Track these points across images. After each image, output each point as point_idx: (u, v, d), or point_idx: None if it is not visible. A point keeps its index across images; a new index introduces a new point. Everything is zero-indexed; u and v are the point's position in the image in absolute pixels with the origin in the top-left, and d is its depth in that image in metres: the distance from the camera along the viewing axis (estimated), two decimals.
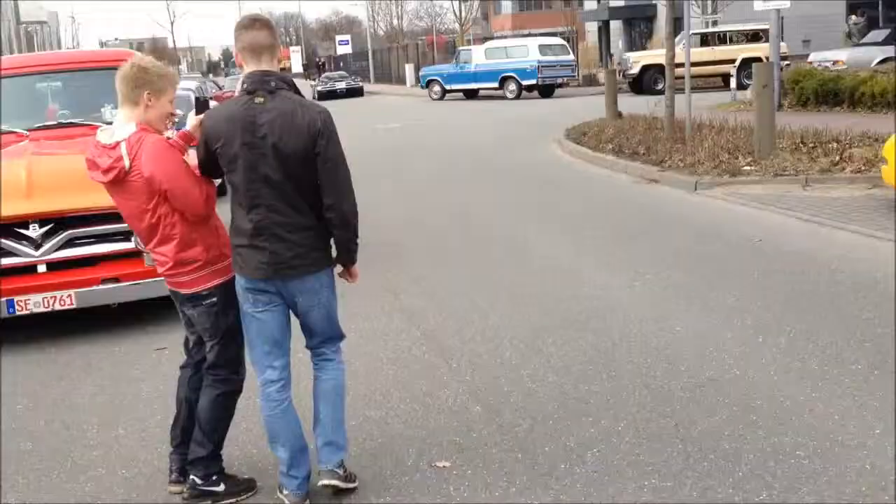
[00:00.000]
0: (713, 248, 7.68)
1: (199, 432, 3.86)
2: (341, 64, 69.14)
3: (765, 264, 7.06)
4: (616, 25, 54.00)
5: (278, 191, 3.54)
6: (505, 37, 59.12)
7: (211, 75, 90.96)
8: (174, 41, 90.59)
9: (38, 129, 7.32)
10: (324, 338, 3.86)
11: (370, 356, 5.65)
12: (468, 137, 18.88)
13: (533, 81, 30.31)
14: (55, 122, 7.42)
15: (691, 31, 30.40)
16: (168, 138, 3.72)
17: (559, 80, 31.33)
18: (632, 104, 15.84)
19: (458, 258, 8.03)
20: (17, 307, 6.14)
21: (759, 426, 4.25)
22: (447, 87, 33.03)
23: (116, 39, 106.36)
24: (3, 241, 6.11)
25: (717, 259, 7.33)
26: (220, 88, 33.85)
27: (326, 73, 51.66)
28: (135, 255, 6.25)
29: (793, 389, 4.65)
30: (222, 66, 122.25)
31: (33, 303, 6.16)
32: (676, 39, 29.16)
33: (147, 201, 3.61)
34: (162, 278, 3.90)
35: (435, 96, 33.47)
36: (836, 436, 4.10)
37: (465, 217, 9.97)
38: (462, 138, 18.81)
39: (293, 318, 3.81)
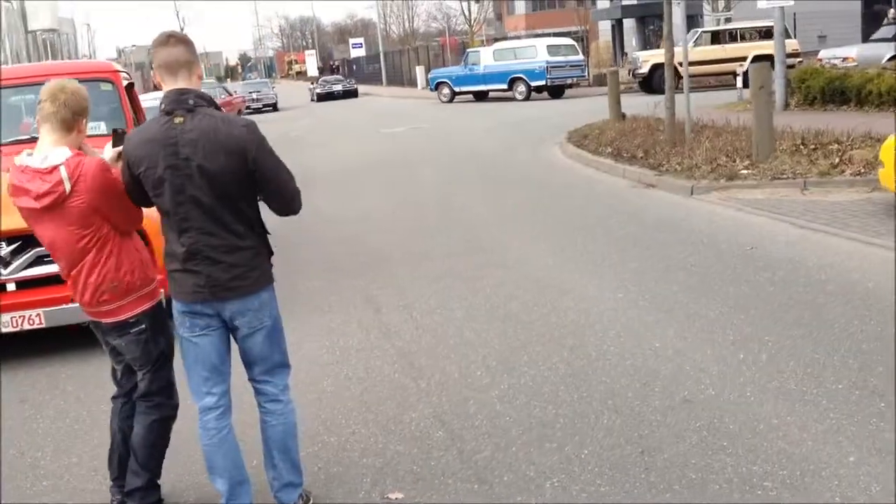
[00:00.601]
0: (703, 257, 7.47)
1: (133, 462, 3.74)
2: (353, 67, 69.19)
3: (754, 274, 6.84)
4: (629, 24, 53.72)
5: (209, 212, 3.39)
6: (519, 37, 58.99)
7: (229, 80, 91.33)
8: None
9: (11, 143, 7.20)
10: (268, 366, 3.68)
11: (338, 376, 5.50)
12: (472, 141, 18.70)
13: (542, 82, 30.06)
14: (28, 137, 7.30)
15: (703, 29, 30.26)
16: (101, 159, 3.60)
17: (569, 81, 31.06)
18: (640, 104, 15.60)
19: (444, 269, 7.85)
20: None
21: (728, 452, 4.06)
22: (456, 89, 32.82)
23: (134, 46, 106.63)
24: None
25: (705, 268, 7.11)
26: (230, 94, 33.91)
27: (324, 77, 54.80)
28: None
29: (768, 411, 4.44)
30: (239, 70, 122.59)
31: (2, 322, 6.04)
32: (686, 38, 29.13)
33: (83, 226, 3.48)
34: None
35: (444, 99, 33.27)
36: (808, 464, 3.89)
37: (459, 224, 9.79)
38: (465, 142, 18.63)
39: (234, 347, 3.66)
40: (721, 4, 35.58)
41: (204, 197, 3.35)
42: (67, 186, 3.43)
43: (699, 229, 8.50)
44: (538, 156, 15.25)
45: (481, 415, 4.72)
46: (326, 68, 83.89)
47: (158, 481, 3.82)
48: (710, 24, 33.97)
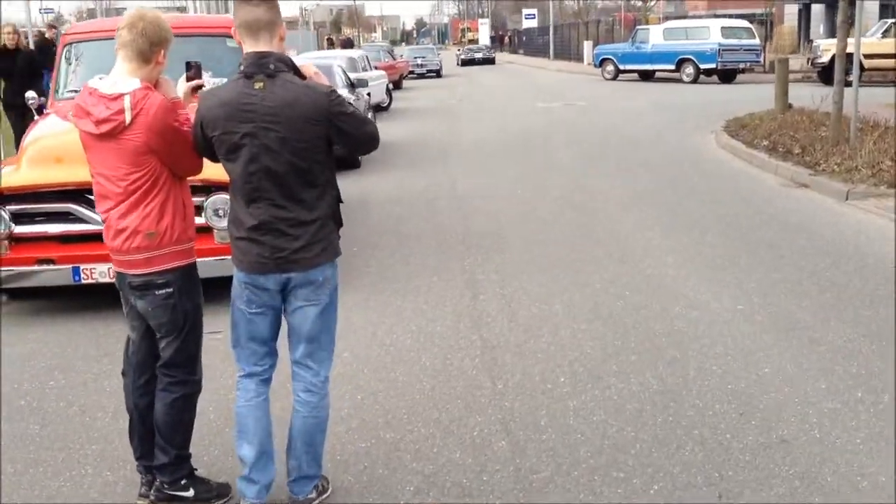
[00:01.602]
0: (843, 272, 6.71)
1: (159, 438, 3.55)
2: (524, 38, 68.48)
3: None
4: (818, 9, 50.74)
5: (282, 183, 3.25)
6: (699, 16, 56.74)
7: (404, 44, 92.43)
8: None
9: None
10: (313, 347, 3.46)
11: (414, 365, 5.19)
12: (623, 123, 17.95)
13: (712, 65, 28.63)
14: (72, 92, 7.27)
15: (894, 21, 28.03)
16: (173, 100, 3.42)
17: (741, 66, 29.47)
18: (813, 96, 14.48)
19: (557, 258, 7.41)
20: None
21: None
22: (621, 66, 31.75)
23: (318, 5, 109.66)
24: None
25: (843, 285, 6.38)
26: (394, 58, 34.07)
27: (469, 45, 63.34)
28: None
29: (878, 465, 3.83)
30: (414, 35, 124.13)
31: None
32: (874, 29, 27.11)
33: (135, 164, 3.32)
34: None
35: (608, 76, 32.28)
36: None
37: (584, 211, 9.28)
38: (616, 124, 17.90)
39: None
40: None
41: (278, 167, 3.22)
42: (128, 117, 3.26)
43: (845, 239, 7.68)
44: (688, 143, 14.42)
45: (552, 428, 4.31)
46: (497, 38, 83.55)
47: (188, 453, 3.64)
48: None
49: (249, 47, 3.25)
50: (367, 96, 15.68)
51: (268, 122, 3.18)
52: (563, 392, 4.73)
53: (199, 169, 3.53)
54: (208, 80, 3.71)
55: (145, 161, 3.32)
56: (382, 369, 5.13)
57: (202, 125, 3.29)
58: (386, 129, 17.33)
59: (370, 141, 3.43)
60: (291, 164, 3.22)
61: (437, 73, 41.47)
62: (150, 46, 3.35)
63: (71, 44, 7.63)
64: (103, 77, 3.42)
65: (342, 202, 3.50)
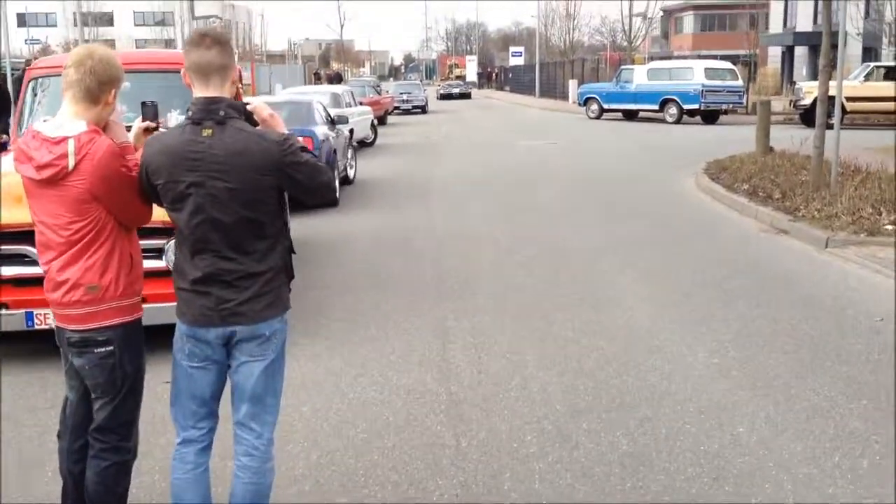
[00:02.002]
0: (822, 324, 6.56)
1: None
2: (510, 75, 68.89)
3: (878, 353, 5.91)
4: (801, 52, 51.21)
5: (229, 235, 3.09)
6: (684, 57, 57.18)
7: (392, 79, 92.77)
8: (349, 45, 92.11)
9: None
10: (256, 408, 3.26)
11: (376, 421, 4.97)
12: (605, 163, 17.90)
13: (695, 106, 28.73)
14: None
15: (876, 63, 28.25)
16: (122, 144, 3.24)
17: (724, 107, 29.60)
18: (794, 138, 14.44)
19: (531, 304, 7.24)
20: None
21: None
22: (605, 106, 31.83)
23: (307, 39, 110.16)
24: None
25: (821, 339, 6.22)
26: (378, 94, 34.05)
27: (448, 82, 66.05)
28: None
29: None
30: (402, 70, 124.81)
31: None
32: (857, 72, 27.29)
33: (78, 213, 3.14)
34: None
35: (592, 115, 32.34)
36: None
37: (561, 255, 9.13)
38: (598, 163, 17.84)
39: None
40: None
41: (226, 218, 3.07)
42: (71, 162, 3.08)
43: (824, 290, 7.54)
44: (669, 185, 14.33)
45: (516, 492, 4.11)
46: (485, 74, 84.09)
47: None
48: (887, 59, 31.77)
49: (199, 92, 3.11)
50: (347, 133, 15.56)
51: (215, 172, 3.03)
52: (530, 452, 4.53)
53: (147, 218, 3.36)
54: (176, 118, 3.55)
55: (89, 209, 3.14)
56: (343, 425, 4.92)
57: (146, 171, 3.13)
58: (368, 166, 17.23)
59: (324, 190, 3.26)
60: (240, 214, 3.07)
61: (423, 109, 41.44)
62: (99, 86, 3.19)
63: (36, 78, 7.46)
64: (48, 119, 3.25)
65: (294, 253, 3.34)
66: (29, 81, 7.48)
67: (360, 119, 21.52)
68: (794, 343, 6.15)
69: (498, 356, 6.03)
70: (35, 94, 7.45)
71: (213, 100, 3.08)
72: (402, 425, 4.91)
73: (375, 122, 23.67)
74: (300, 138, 11.63)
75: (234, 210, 3.06)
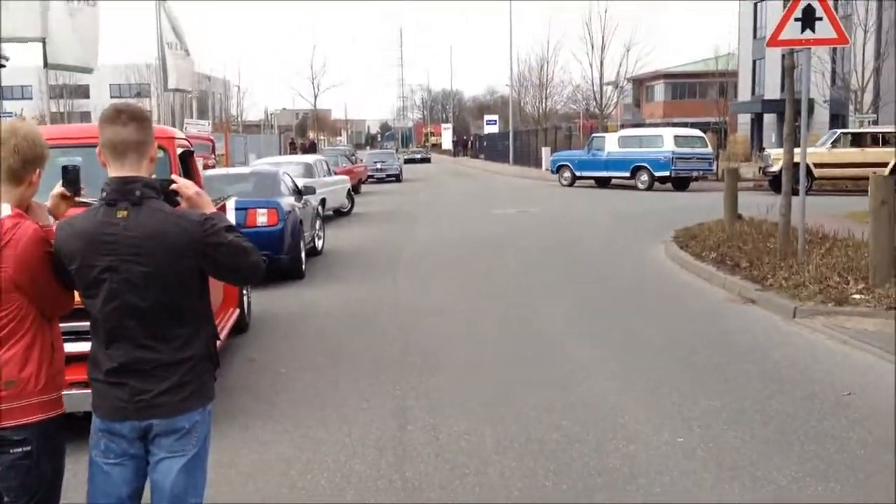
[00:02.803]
0: (790, 399, 6.39)
1: None
2: (485, 143, 69.46)
3: (846, 429, 5.75)
4: (770, 119, 52.02)
5: (147, 322, 2.93)
6: (655, 124, 57.94)
7: (368, 147, 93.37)
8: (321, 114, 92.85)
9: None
10: None
11: None
12: (576, 231, 17.87)
13: (666, 173, 28.94)
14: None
15: (843, 130, 28.65)
16: (44, 227, 3.06)
17: (695, 174, 29.84)
18: (762, 205, 14.49)
19: (494, 381, 7.05)
20: None
21: None
22: (578, 173, 32.01)
23: (284, 109, 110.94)
24: None
25: (789, 415, 6.05)
26: (352, 163, 34.09)
27: (412, 150, 74.24)
28: None
29: None
30: (379, 138, 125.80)
31: None
32: (824, 139, 27.64)
33: None
34: None
35: (565, 182, 32.51)
36: None
37: (526, 328, 8.98)
38: (568, 232, 17.80)
39: None
40: (867, 105, 33.88)
41: (143, 303, 2.91)
42: None
43: (792, 362, 7.40)
44: (638, 254, 14.26)
45: None
46: (458, 142, 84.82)
47: None
48: (854, 126, 32.28)
49: (114, 171, 2.97)
50: (315, 203, 15.45)
51: (131, 255, 2.89)
52: None
53: (69, 305, 3.17)
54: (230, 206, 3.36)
55: (10, 299, 2.94)
56: None
57: (59, 255, 2.97)
58: (337, 236, 17.10)
59: (251, 273, 3.11)
60: (158, 299, 2.92)
61: (397, 178, 41.44)
62: (24, 165, 3.02)
63: None
64: None
65: (219, 339, 3.17)
66: None
67: (335, 188, 21.71)
68: (761, 420, 5.98)
69: (457, 437, 5.82)
70: None
71: (129, 179, 2.95)
72: None
73: (352, 191, 23.72)
74: (264, 210, 11.38)
75: (151, 295, 2.91)
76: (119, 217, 2.91)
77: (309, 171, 20.04)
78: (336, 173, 23.87)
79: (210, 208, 3.07)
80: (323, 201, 18.96)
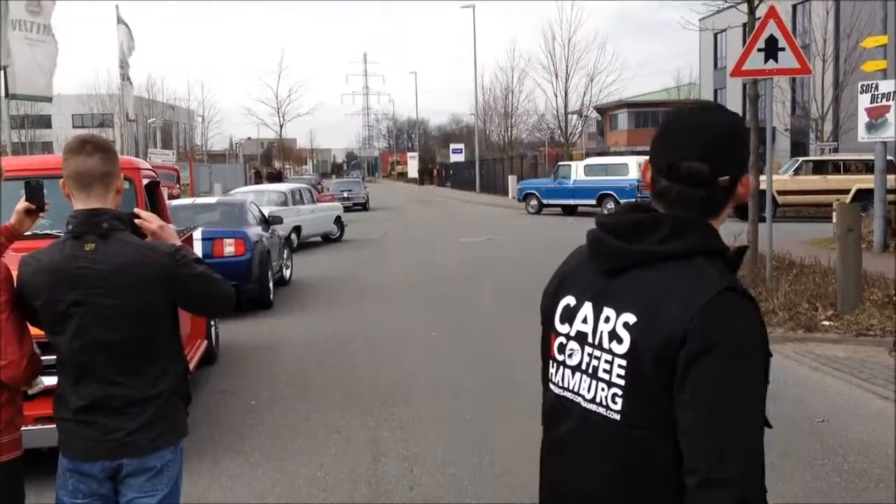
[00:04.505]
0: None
1: None
2: (451, 172, 69.65)
3: (821, 456, 5.76)
4: None
5: (116, 357, 2.84)
6: (619, 152, 58.50)
7: (334, 176, 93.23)
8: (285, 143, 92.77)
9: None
10: None
11: None
12: (546, 259, 17.74)
13: (632, 200, 29.15)
14: (31, 233, 6.80)
15: (805, 158, 29.07)
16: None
17: None
18: (728, 232, 14.57)
19: (468, 412, 6.99)
20: None
21: None
22: (545, 201, 32.19)
23: (249, 138, 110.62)
24: None
25: (765, 443, 6.03)
26: (319, 192, 34.01)
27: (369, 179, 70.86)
28: None
29: None
30: (345, 167, 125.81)
31: None
32: (787, 166, 28.02)
33: None
34: None
35: (531, 210, 32.66)
36: None
37: (499, 358, 8.95)
38: (539, 259, 17.70)
39: None
40: (827, 133, 34.44)
41: (113, 338, 2.83)
42: None
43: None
44: None
45: None
46: (425, 171, 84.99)
47: None
48: (815, 153, 32.79)
49: (80, 203, 2.90)
50: (285, 232, 15.35)
51: (100, 289, 2.81)
52: None
53: (21, 371, 2.94)
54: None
55: None
56: None
57: (22, 291, 2.89)
58: (303, 266, 16.96)
59: (221, 304, 3.05)
60: (129, 333, 2.85)
61: (364, 206, 41.41)
62: None
63: None
64: None
65: (191, 374, 3.09)
66: None
67: (322, 215, 22.41)
68: None
69: (431, 470, 5.75)
70: None
71: (95, 212, 2.88)
72: None
73: (342, 217, 23.87)
74: (231, 239, 11.25)
75: (121, 329, 2.83)
76: (87, 250, 2.84)
77: (286, 199, 20.23)
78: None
79: (175, 241, 3.02)
80: (298, 229, 19.23)
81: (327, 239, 22.86)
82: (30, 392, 3.12)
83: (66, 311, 2.83)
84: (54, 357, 2.94)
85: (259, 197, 19.68)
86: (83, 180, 2.89)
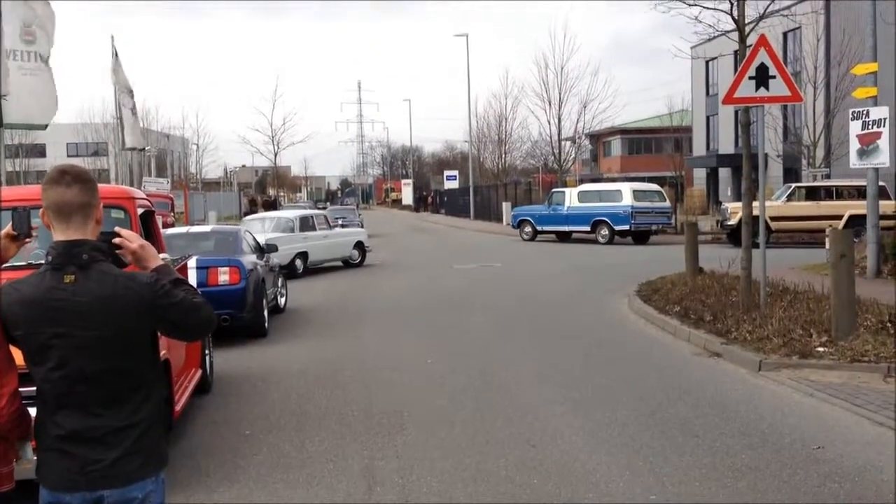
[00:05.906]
0: (759, 454, 6.38)
1: None
2: (446, 198, 69.76)
3: (817, 483, 5.74)
4: (725, 173, 52.95)
5: (97, 387, 2.85)
6: (613, 179, 58.69)
7: (329, 203, 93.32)
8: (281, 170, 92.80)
9: (7, 268, 6.69)
10: None
11: None
12: (538, 286, 17.90)
13: (626, 227, 29.26)
14: (25, 263, 6.80)
15: (797, 184, 29.22)
16: None
17: (654, 227, 30.22)
18: (722, 258, 14.67)
19: (463, 439, 6.95)
20: None
21: None
22: (539, 228, 32.27)
23: (244, 166, 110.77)
24: None
25: (760, 471, 6.03)
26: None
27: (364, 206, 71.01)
28: None
29: None
30: (339, 194, 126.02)
31: None
32: (779, 192, 28.15)
33: None
34: None
35: (526, 237, 32.72)
36: None
37: (494, 385, 8.89)
38: (531, 287, 17.83)
39: None
40: (819, 159, 34.59)
41: (94, 368, 2.83)
42: None
43: (761, 416, 7.39)
44: (602, 308, 14.31)
45: None
46: (420, 198, 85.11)
47: None
48: (807, 180, 32.94)
49: (59, 234, 2.90)
50: (275, 262, 15.33)
51: (81, 321, 2.81)
52: None
53: (14, 381, 2.99)
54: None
55: None
56: None
57: (3, 322, 2.89)
58: (299, 293, 16.92)
59: (203, 328, 3.07)
60: (110, 364, 2.86)
61: None
62: None
63: None
64: None
65: (177, 405, 3.09)
66: None
67: (340, 240, 22.87)
68: (732, 475, 5.94)
69: (426, 497, 5.72)
70: None
71: (75, 242, 2.88)
72: None
73: (365, 242, 23.95)
74: (226, 268, 11.24)
75: (102, 360, 2.84)
76: (66, 282, 2.83)
77: (300, 224, 20.81)
78: None
79: (156, 261, 3.00)
80: (305, 254, 19.96)
81: (348, 264, 23.15)
82: (16, 460, 3.07)
83: (47, 342, 2.83)
84: (34, 388, 2.94)
85: (265, 224, 19.91)
86: (62, 211, 2.89)
